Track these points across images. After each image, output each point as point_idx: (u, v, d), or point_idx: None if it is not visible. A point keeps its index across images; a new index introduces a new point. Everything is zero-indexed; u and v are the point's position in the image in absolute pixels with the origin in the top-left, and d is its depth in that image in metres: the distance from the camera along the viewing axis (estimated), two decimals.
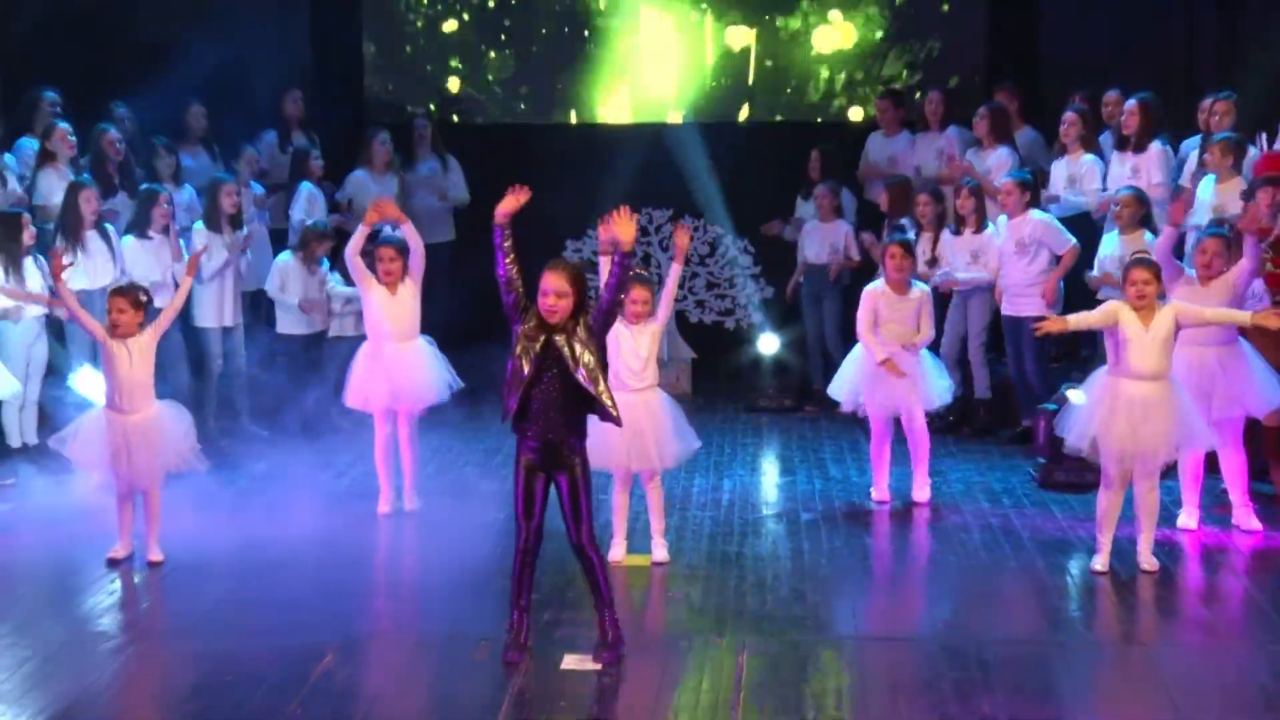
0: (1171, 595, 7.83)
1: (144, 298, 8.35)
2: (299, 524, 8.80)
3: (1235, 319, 8.26)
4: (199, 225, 11.08)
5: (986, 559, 8.40)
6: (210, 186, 11.21)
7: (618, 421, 6.77)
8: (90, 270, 10.45)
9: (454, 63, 14.11)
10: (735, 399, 12.47)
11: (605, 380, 6.71)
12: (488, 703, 6.31)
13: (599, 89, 14.01)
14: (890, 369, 9.17)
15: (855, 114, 13.89)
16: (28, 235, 10.09)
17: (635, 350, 8.10)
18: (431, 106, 13.98)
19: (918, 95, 13.17)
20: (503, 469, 7.48)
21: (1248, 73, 11.68)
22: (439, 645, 7.02)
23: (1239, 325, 8.37)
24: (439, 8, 14.05)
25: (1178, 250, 8.98)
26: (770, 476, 10.35)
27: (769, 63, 13.95)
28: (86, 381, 9.22)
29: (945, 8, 13.81)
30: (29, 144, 11.17)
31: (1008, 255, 10.72)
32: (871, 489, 9.56)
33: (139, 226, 10.80)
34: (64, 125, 11.04)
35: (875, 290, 9.39)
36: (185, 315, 10.79)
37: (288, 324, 11.35)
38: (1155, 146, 10.83)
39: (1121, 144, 10.98)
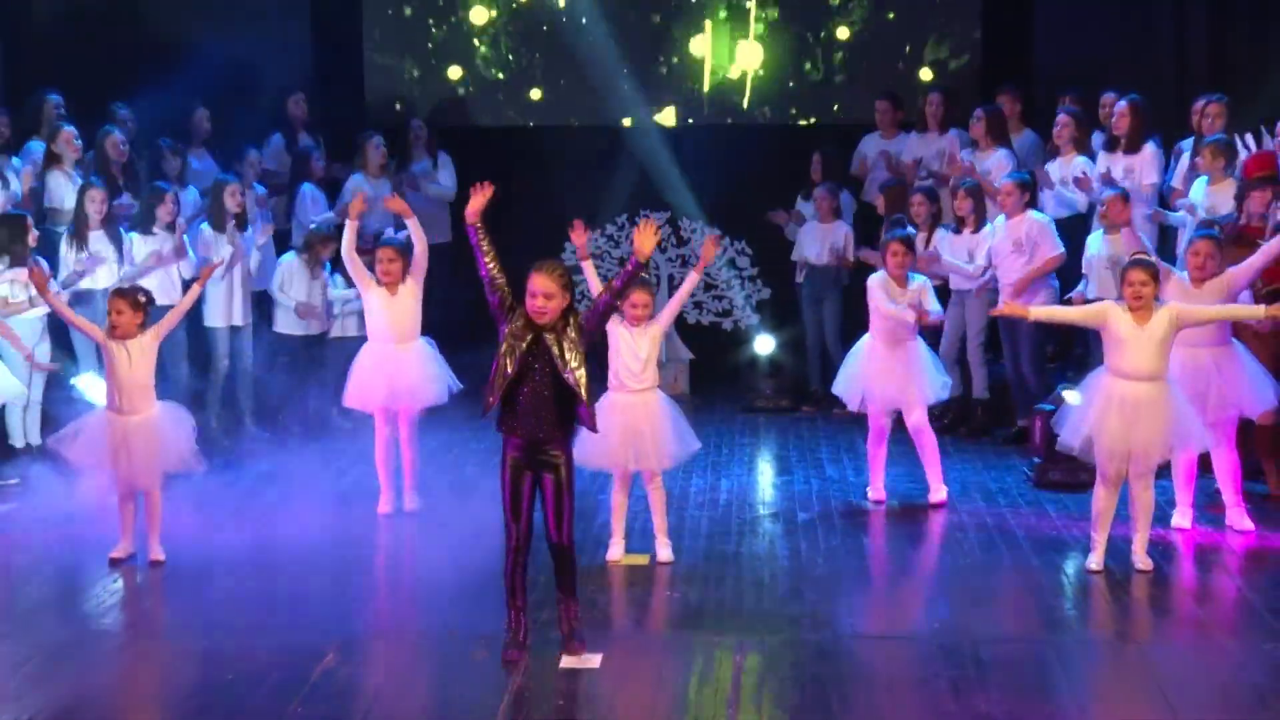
0: (1166, 594, 7.87)
1: (143, 299, 8.38)
2: (300, 524, 8.83)
3: (1244, 314, 8.24)
4: (204, 226, 11.14)
5: (982, 558, 8.44)
6: (214, 187, 11.28)
7: (593, 428, 6.82)
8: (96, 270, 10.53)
9: (453, 64, 14.13)
10: (733, 399, 12.51)
11: (589, 385, 6.74)
12: (487, 701, 6.35)
13: (598, 90, 14.03)
14: (918, 316, 9.15)
15: (855, 115, 13.90)
16: (31, 238, 10.14)
17: (635, 352, 8.13)
18: (429, 109, 13.99)
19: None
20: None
21: (1238, 75, 11.75)
22: (439, 644, 7.06)
23: (1247, 320, 8.32)
24: (437, 10, 14.08)
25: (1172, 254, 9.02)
26: (767, 476, 10.39)
27: (768, 64, 13.98)
28: (90, 386, 9.27)
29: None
30: (37, 147, 11.25)
31: (1004, 255, 10.76)
32: (868, 488, 9.60)
33: (143, 223, 10.85)
34: (69, 128, 11.11)
35: (879, 279, 9.41)
36: (193, 314, 10.86)
37: (287, 324, 11.39)
38: (1149, 148, 10.90)
39: (1111, 145, 11.03)
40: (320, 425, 10.78)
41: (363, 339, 9.50)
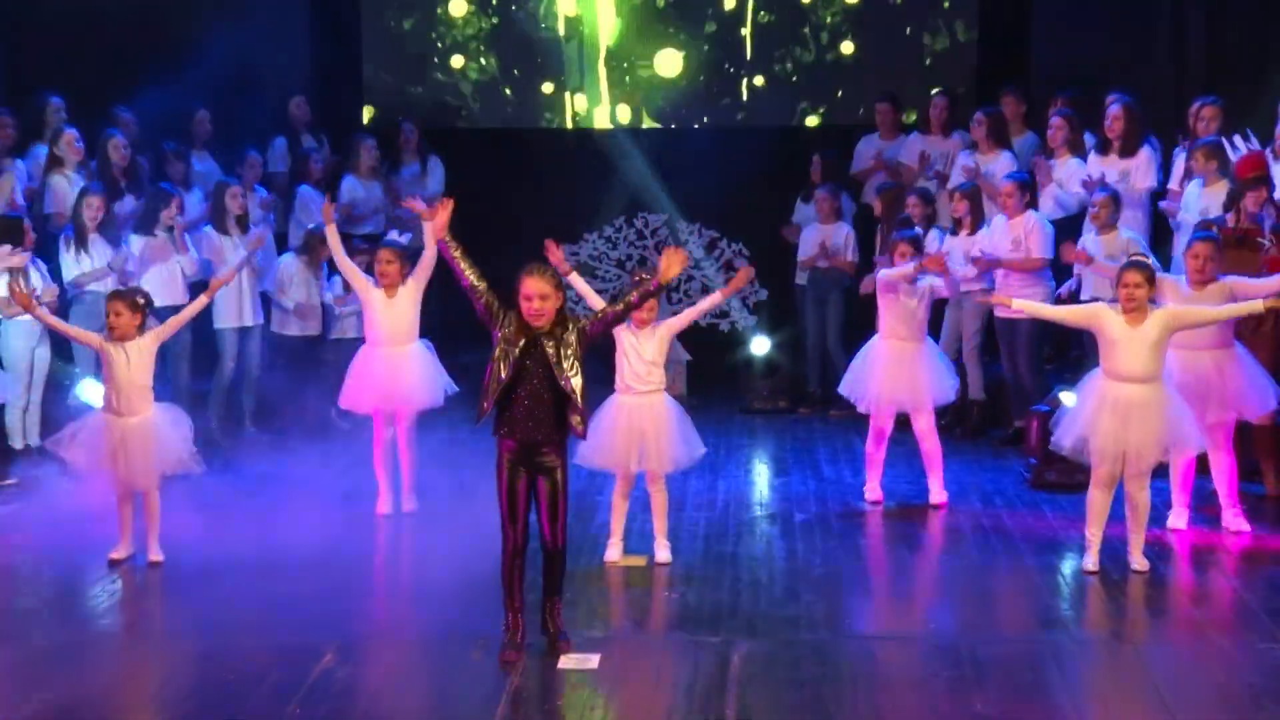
0: (1162, 595, 7.89)
1: (142, 301, 8.39)
2: (298, 525, 8.83)
3: (1241, 311, 8.15)
4: (207, 229, 11.17)
5: (979, 559, 8.46)
6: (216, 190, 11.32)
7: (583, 435, 6.86)
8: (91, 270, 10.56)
9: (451, 64, 14.15)
10: (730, 401, 12.53)
11: (586, 391, 6.76)
12: (486, 702, 6.37)
13: (595, 92, 14.05)
14: (936, 264, 9.10)
15: (854, 117, 13.92)
16: (28, 240, 10.15)
17: (640, 355, 8.14)
18: (424, 111, 14.02)
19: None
20: None
21: (1236, 77, 11.77)
22: (437, 645, 7.08)
23: (1245, 315, 8.26)
24: (435, 11, 14.10)
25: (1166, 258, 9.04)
26: (765, 477, 10.40)
27: (766, 66, 14.00)
28: (89, 392, 9.29)
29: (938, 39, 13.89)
30: (43, 150, 11.29)
31: (1003, 255, 10.77)
32: (865, 488, 9.62)
33: (146, 225, 10.87)
34: (71, 130, 11.13)
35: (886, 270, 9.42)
36: (201, 315, 10.89)
37: (285, 325, 11.41)
38: (1144, 151, 10.93)
39: (1104, 147, 11.06)
40: (319, 426, 10.79)
41: (362, 340, 9.52)
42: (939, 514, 9.30)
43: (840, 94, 14.01)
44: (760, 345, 12.68)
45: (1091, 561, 8.08)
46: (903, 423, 9.54)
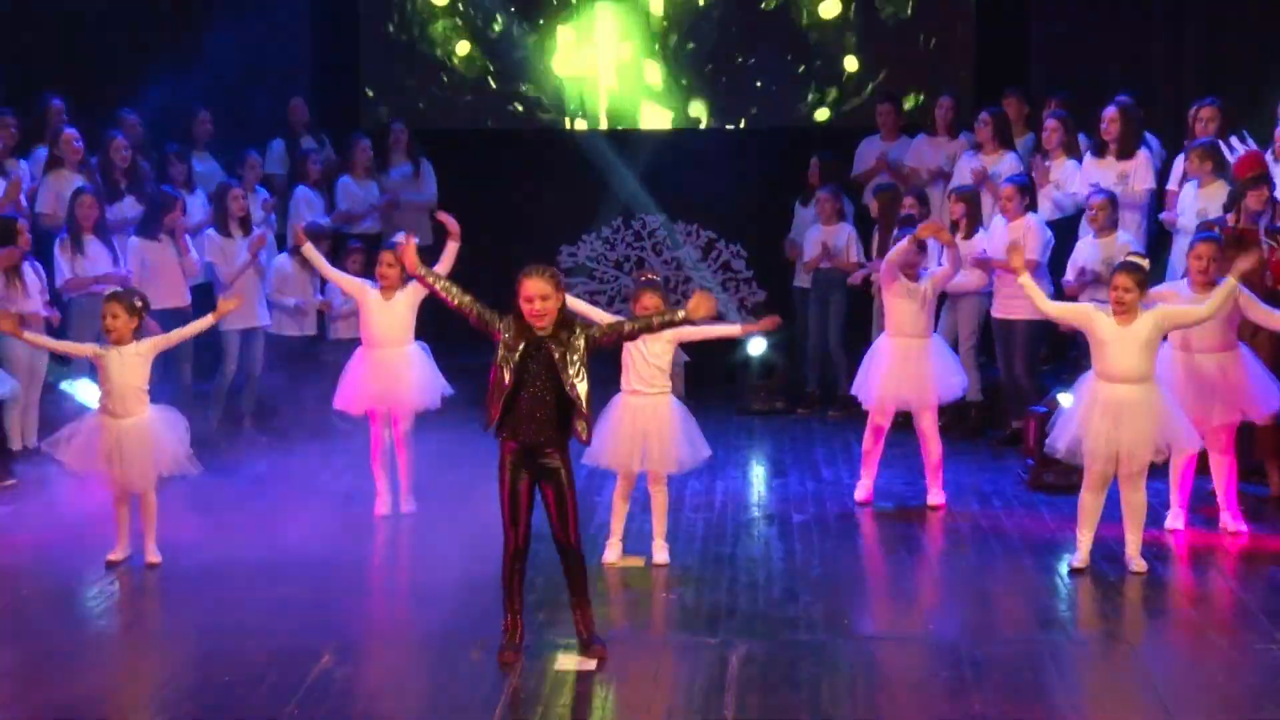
0: (1160, 596, 7.90)
1: (139, 303, 8.39)
2: (297, 526, 8.84)
3: (1223, 294, 7.99)
4: (210, 231, 11.18)
5: (977, 560, 8.47)
6: (217, 192, 11.33)
7: (586, 441, 6.84)
8: (91, 272, 10.55)
9: (449, 66, 14.15)
10: (729, 402, 12.53)
11: (590, 397, 6.76)
12: (484, 703, 6.37)
13: (593, 92, 14.06)
14: (936, 233, 9.08)
15: (852, 118, 13.92)
16: (23, 240, 10.15)
17: (646, 359, 8.12)
18: (424, 110, 14.03)
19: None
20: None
21: (1235, 79, 11.78)
22: (435, 646, 7.08)
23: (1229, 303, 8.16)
24: (435, 11, 14.11)
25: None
26: (763, 478, 10.41)
27: (765, 67, 14.01)
28: (85, 392, 9.29)
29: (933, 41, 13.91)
30: (44, 151, 11.31)
31: (1001, 257, 10.78)
32: (857, 485, 9.59)
33: (148, 228, 10.87)
34: (70, 131, 11.14)
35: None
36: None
37: (283, 326, 11.41)
38: (1142, 153, 10.94)
39: (1100, 149, 11.07)
40: (318, 427, 10.79)
41: (359, 341, 9.52)
42: (937, 515, 9.30)
43: (840, 95, 14.01)
44: (757, 346, 12.68)
45: (1078, 559, 8.09)
46: (902, 423, 9.54)
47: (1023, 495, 9.69)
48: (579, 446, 6.94)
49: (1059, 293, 10.62)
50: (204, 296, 11.16)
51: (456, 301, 6.77)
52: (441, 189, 13.00)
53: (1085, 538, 8.12)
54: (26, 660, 6.94)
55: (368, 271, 10.00)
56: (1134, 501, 8.05)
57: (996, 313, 10.95)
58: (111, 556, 8.30)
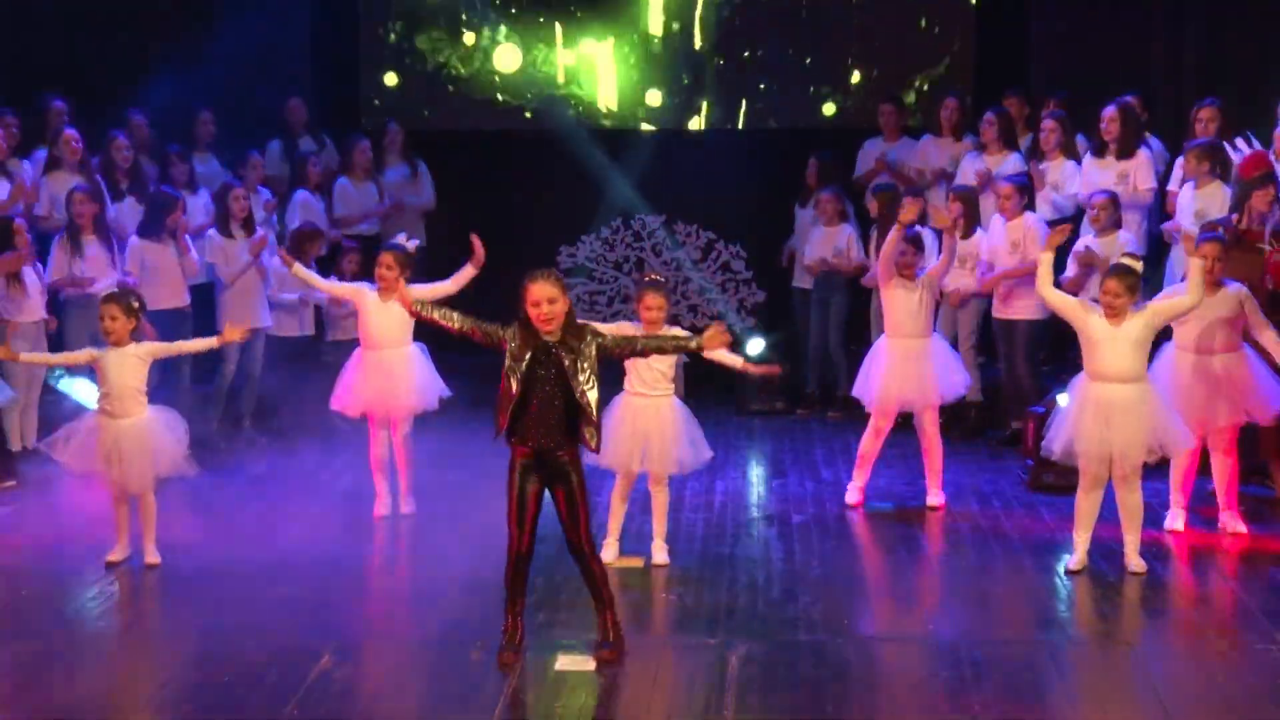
0: (1160, 596, 7.89)
1: (136, 304, 8.39)
2: (296, 526, 8.85)
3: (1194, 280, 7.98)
4: (211, 232, 11.19)
5: (977, 560, 8.47)
6: (219, 192, 11.33)
7: (596, 449, 6.82)
8: (88, 274, 10.54)
9: (448, 67, 14.15)
10: (728, 402, 12.53)
11: (600, 403, 6.75)
12: (483, 703, 6.36)
13: (591, 93, 14.06)
14: (911, 213, 9.03)
15: (851, 119, 13.92)
16: (21, 241, 10.14)
17: (648, 361, 8.09)
18: (423, 112, 14.03)
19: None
20: (497, 472, 7.53)
21: (1234, 79, 11.79)
22: (435, 647, 7.07)
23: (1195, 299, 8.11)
24: (431, 13, 14.11)
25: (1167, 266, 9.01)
26: (762, 479, 10.41)
27: (765, 68, 14.00)
28: (83, 391, 9.29)
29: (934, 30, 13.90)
30: (45, 152, 11.31)
31: (1001, 257, 10.79)
32: (848, 486, 9.57)
33: (149, 228, 10.87)
34: (70, 131, 11.14)
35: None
36: (208, 317, 10.94)
37: (283, 326, 11.41)
38: (1142, 153, 10.94)
39: (1101, 149, 11.07)
40: (317, 428, 10.79)
41: (359, 342, 9.51)
42: (936, 516, 9.30)
43: (840, 95, 14.00)
44: (754, 346, 12.68)
45: (1075, 561, 8.09)
46: (902, 423, 9.53)
47: (1022, 496, 9.69)
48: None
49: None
50: (203, 296, 11.17)
51: (457, 326, 6.79)
52: (441, 190, 13.01)
53: (1082, 539, 8.12)
54: (26, 660, 6.94)
55: (365, 271, 10.00)
56: (1130, 503, 8.05)
57: (998, 313, 10.95)
58: (111, 557, 8.30)
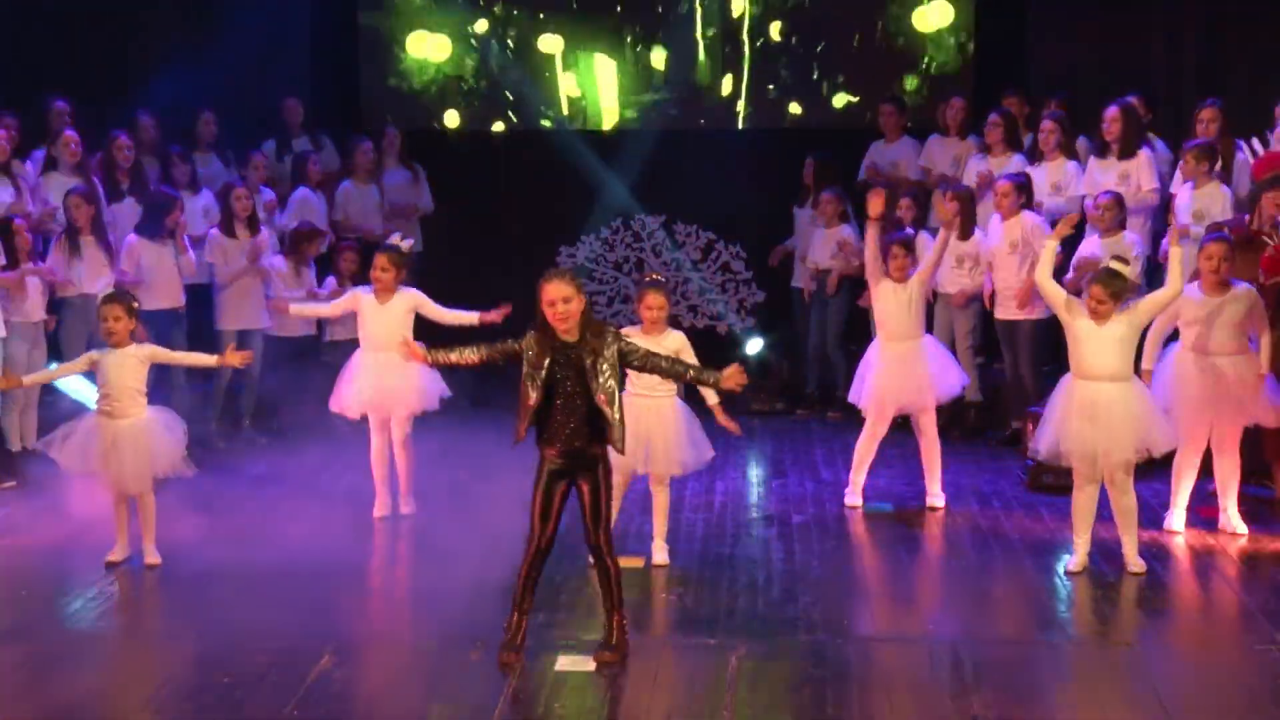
0: (1159, 597, 7.89)
1: (136, 304, 8.39)
2: (296, 526, 8.85)
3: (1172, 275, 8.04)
4: (213, 231, 11.19)
5: (976, 560, 8.47)
6: (221, 192, 11.34)
7: (621, 450, 6.81)
8: (86, 275, 10.54)
9: (446, 66, 14.15)
10: (726, 403, 12.49)
11: (620, 405, 6.75)
12: (483, 704, 6.37)
13: (592, 94, 14.06)
14: (877, 207, 9.02)
15: (850, 120, 13.91)
16: (19, 241, 10.13)
17: None
18: (423, 111, 14.03)
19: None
20: (498, 472, 7.59)
21: (1234, 80, 11.79)
22: (435, 647, 7.07)
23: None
24: (431, 13, 14.11)
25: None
26: (762, 479, 10.41)
27: (764, 68, 14.00)
28: (82, 391, 9.29)
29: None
30: (44, 153, 11.32)
31: (1001, 257, 10.79)
32: (845, 490, 9.56)
33: (148, 228, 10.86)
34: (70, 132, 11.14)
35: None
36: (205, 316, 10.93)
37: (282, 326, 11.41)
38: (1144, 153, 10.94)
39: (1102, 150, 11.07)
40: (317, 428, 10.79)
41: (358, 342, 9.52)
42: (936, 516, 9.30)
43: (840, 96, 14.00)
44: (753, 346, 12.69)
45: (1075, 562, 8.09)
46: (901, 423, 9.53)
47: (1022, 496, 9.69)
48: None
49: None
50: (199, 296, 11.17)
51: (476, 358, 6.86)
52: (440, 191, 12.99)
53: (1081, 541, 8.11)
54: (26, 660, 6.94)
55: (363, 270, 9.99)
56: (1123, 505, 8.04)
57: (1000, 314, 10.94)
58: (110, 557, 8.30)
